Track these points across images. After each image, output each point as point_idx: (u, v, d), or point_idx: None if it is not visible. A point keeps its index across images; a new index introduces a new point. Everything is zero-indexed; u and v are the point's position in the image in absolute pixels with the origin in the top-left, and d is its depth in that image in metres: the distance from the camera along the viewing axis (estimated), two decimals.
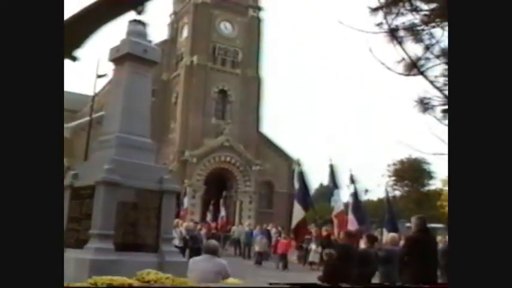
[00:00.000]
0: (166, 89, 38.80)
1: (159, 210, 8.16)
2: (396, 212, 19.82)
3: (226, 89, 38.13)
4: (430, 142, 4.48)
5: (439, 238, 13.03)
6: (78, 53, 2.19)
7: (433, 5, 4.28)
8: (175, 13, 41.88)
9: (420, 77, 4.27)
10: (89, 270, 6.49)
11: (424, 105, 4.40)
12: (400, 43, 4.19)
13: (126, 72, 8.63)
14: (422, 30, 4.28)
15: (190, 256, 10.51)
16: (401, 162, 45.27)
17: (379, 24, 4.17)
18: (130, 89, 8.56)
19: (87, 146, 19.83)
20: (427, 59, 4.28)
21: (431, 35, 4.27)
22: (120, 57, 8.71)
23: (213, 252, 5.94)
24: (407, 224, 16.93)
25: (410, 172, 45.02)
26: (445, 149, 3.54)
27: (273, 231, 23.78)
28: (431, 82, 4.27)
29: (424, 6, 4.27)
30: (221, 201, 27.33)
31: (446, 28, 3.98)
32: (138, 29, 8.73)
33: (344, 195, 15.87)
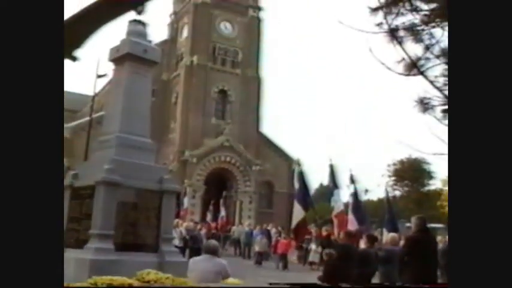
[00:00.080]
0: (166, 89, 38.80)
1: (159, 210, 8.16)
2: (396, 212, 19.82)
3: (226, 89, 38.12)
4: (430, 142, 4.48)
5: (439, 238, 13.03)
6: (78, 53, 2.19)
7: (433, 5, 4.28)
8: (175, 13, 41.88)
9: (420, 77, 4.27)
10: (89, 270, 6.49)
11: (424, 105, 4.40)
12: (400, 43, 4.19)
13: (126, 72, 8.63)
14: (422, 30, 4.28)
15: (190, 256, 10.51)
16: (401, 162, 45.27)
17: (379, 24, 4.16)
18: (131, 89, 8.56)
19: (87, 146, 19.83)
20: (427, 59, 4.28)
21: (431, 35, 4.27)
22: (120, 57, 8.71)
23: (213, 252, 5.94)
24: (407, 224, 16.92)
25: (410, 172, 45.02)
26: (445, 149, 3.54)
27: (273, 231, 23.78)
28: (431, 82, 4.27)
29: (424, 6, 4.27)
30: (221, 201, 27.33)
31: (446, 28, 3.98)
32: (138, 29, 8.73)
33: (344, 195, 15.88)
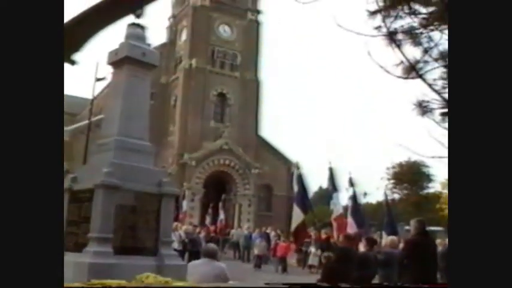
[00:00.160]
0: (165, 92, 38.84)
1: (158, 214, 8.14)
2: (395, 215, 19.82)
3: (225, 92, 38.17)
4: (429, 145, 4.48)
5: (438, 241, 13.01)
6: (77, 56, 2.19)
7: (431, 9, 4.29)
8: (174, 16, 41.95)
9: (419, 80, 4.27)
10: (87, 273, 6.47)
11: (423, 108, 4.40)
12: (398, 46, 4.19)
13: (124, 75, 8.63)
14: (421, 33, 4.28)
15: (190, 259, 10.50)
16: (401, 165, 45.29)
17: (378, 28, 4.17)
18: (129, 92, 8.55)
19: (86, 149, 19.82)
20: (426, 62, 4.29)
21: (430, 38, 4.27)
22: (119, 61, 8.70)
23: (212, 255, 5.93)
24: (407, 227, 16.94)
25: (410, 175, 45.03)
26: (444, 152, 3.54)
27: (272, 234, 23.76)
28: (430, 85, 4.27)
29: (423, 10, 4.27)
30: (220, 204, 27.33)
31: (445, 31, 3.99)
32: (136, 32, 8.72)
33: (343, 198, 15.90)
